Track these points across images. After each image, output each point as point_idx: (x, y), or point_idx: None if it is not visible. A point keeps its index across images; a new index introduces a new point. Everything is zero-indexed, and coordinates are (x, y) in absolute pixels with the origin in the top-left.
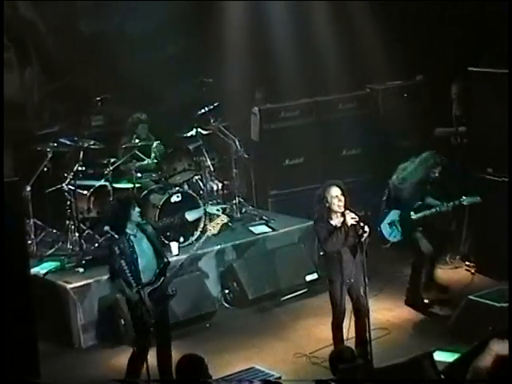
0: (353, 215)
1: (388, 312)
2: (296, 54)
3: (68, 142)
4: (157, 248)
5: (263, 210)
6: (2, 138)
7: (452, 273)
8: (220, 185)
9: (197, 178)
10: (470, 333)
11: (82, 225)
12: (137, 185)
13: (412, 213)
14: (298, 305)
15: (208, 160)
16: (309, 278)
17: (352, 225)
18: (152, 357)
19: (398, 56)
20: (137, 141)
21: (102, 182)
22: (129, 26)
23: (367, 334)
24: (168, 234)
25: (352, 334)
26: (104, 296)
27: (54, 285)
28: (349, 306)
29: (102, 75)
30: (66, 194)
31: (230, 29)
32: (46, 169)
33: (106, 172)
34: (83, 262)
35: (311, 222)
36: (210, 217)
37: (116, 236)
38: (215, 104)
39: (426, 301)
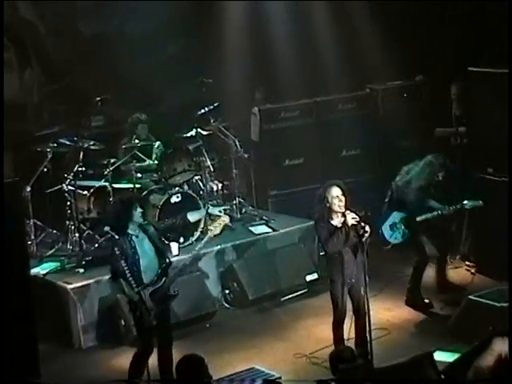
0: (353, 215)
1: (388, 312)
2: (296, 54)
3: (68, 143)
4: (158, 248)
5: (263, 210)
6: (2, 139)
7: (452, 273)
8: (220, 185)
9: (197, 178)
10: (470, 333)
11: (82, 225)
12: (137, 185)
13: (416, 215)
14: (298, 305)
15: (208, 160)
16: (309, 278)
17: (353, 225)
18: (152, 357)
19: (398, 56)
20: (136, 141)
21: (102, 183)
22: (129, 27)
23: (367, 334)
24: (168, 234)
25: (352, 334)
26: (104, 296)
27: (54, 285)
28: (349, 306)
29: (101, 76)
30: (66, 194)
31: (230, 29)
32: (46, 169)
33: (105, 172)
34: (83, 262)
35: (311, 222)
36: (212, 217)
37: (116, 236)
38: (215, 104)
39: (426, 301)
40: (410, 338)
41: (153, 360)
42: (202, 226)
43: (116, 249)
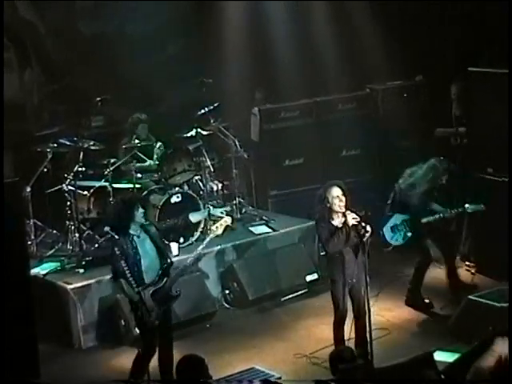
0: (354, 215)
1: (388, 312)
2: (296, 54)
3: (68, 143)
4: (160, 249)
5: (263, 210)
6: (2, 139)
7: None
8: (220, 185)
9: (197, 178)
10: (470, 333)
11: (82, 225)
12: (137, 185)
13: (418, 218)
14: (298, 305)
15: (208, 160)
16: (309, 278)
17: (353, 225)
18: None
19: (398, 56)
20: (137, 141)
21: (102, 183)
22: (129, 27)
23: (367, 335)
24: (169, 234)
25: (352, 334)
26: (104, 297)
27: (54, 285)
28: (349, 306)
29: (101, 76)
30: (66, 194)
31: (230, 29)
32: (46, 169)
33: (105, 172)
34: (83, 262)
35: (311, 223)
36: (212, 218)
37: (116, 237)
38: (215, 104)
39: (426, 301)
40: (410, 338)
41: (153, 360)
42: (202, 226)
43: (116, 249)
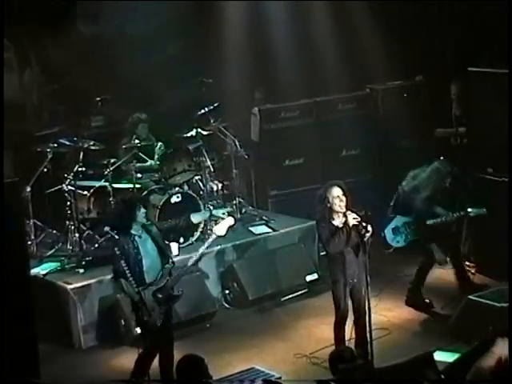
0: (354, 215)
1: (388, 312)
2: (296, 53)
3: (68, 143)
4: (161, 249)
5: (263, 210)
6: (2, 139)
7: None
8: (220, 185)
9: (197, 178)
10: (470, 333)
11: (82, 225)
12: (137, 185)
13: (421, 220)
14: (298, 305)
15: (208, 160)
16: (309, 278)
17: (354, 225)
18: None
19: (398, 56)
20: (137, 141)
21: (102, 183)
22: (129, 27)
23: (368, 334)
24: (170, 234)
25: (353, 334)
26: (104, 296)
27: (54, 285)
28: (350, 305)
29: (101, 76)
30: (66, 194)
31: (230, 29)
32: (45, 169)
33: (105, 172)
34: (83, 262)
35: (311, 223)
36: (212, 219)
37: (116, 236)
38: (215, 104)
39: (426, 301)
40: (410, 338)
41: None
42: (201, 226)
43: (116, 249)
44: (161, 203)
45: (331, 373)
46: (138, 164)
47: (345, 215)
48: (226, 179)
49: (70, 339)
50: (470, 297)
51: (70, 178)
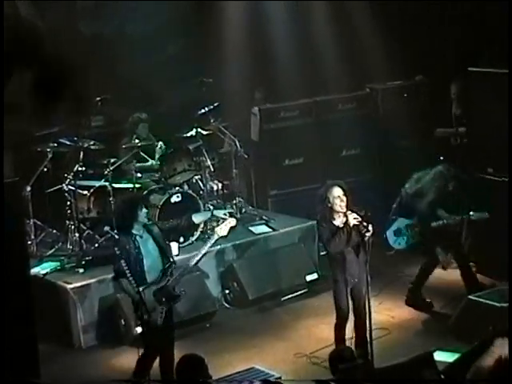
0: (355, 215)
1: (388, 312)
2: (296, 53)
3: (68, 143)
4: (162, 249)
5: (263, 209)
6: (2, 139)
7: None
8: (220, 185)
9: (197, 178)
10: (470, 333)
11: (82, 225)
12: (137, 185)
13: (423, 223)
14: (298, 305)
15: (208, 160)
16: (309, 277)
17: (355, 225)
18: None
19: (398, 56)
20: (137, 141)
21: (102, 183)
22: (129, 27)
23: (368, 334)
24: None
25: (353, 334)
26: (104, 296)
27: (54, 285)
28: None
29: (101, 76)
30: (66, 194)
31: (230, 29)
32: (46, 169)
33: (106, 172)
34: (83, 262)
35: (311, 222)
36: (215, 219)
37: (116, 236)
38: (215, 104)
39: (426, 300)
40: (410, 338)
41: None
42: (202, 226)
43: (116, 248)
44: (161, 203)
45: (331, 372)
46: (139, 164)
47: (345, 215)
48: (226, 179)
49: (69, 339)
50: (469, 297)
51: (70, 177)
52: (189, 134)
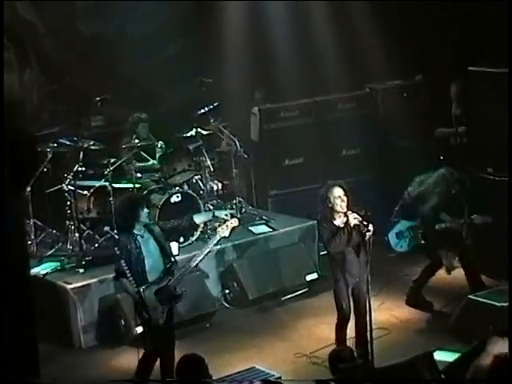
0: (355, 215)
1: (388, 312)
2: (295, 53)
3: (68, 143)
4: (164, 248)
5: (263, 209)
6: (2, 139)
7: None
8: (220, 185)
9: (197, 178)
10: (470, 332)
11: (82, 225)
12: (136, 185)
13: (426, 226)
14: (298, 304)
15: (208, 160)
16: (309, 277)
17: (355, 225)
18: None
19: (398, 56)
20: (136, 141)
21: (102, 183)
22: (129, 27)
23: (368, 334)
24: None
25: (353, 333)
26: (104, 296)
27: (54, 285)
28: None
29: (101, 76)
30: (65, 194)
31: (230, 29)
32: (45, 169)
33: (105, 172)
34: (83, 262)
35: (311, 222)
36: (218, 220)
37: (116, 236)
38: (215, 104)
39: (427, 300)
40: (410, 338)
41: None
42: (202, 226)
43: (116, 248)
44: (161, 203)
45: (331, 372)
46: (140, 163)
47: (346, 215)
48: (226, 179)
49: (70, 339)
50: (469, 296)
51: (70, 177)
52: (189, 134)
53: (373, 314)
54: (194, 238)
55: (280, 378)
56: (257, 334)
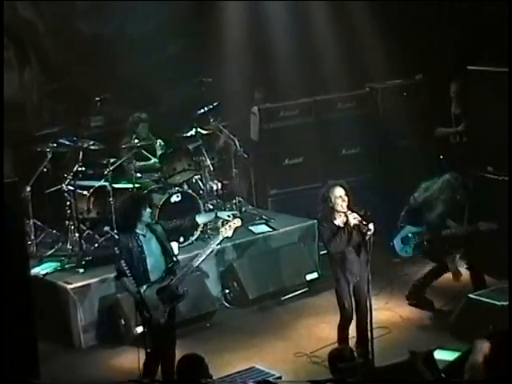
0: (355, 215)
1: (389, 311)
2: (295, 53)
3: (67, 143)
4: (166, 248)
5: (263, 209)
6: (1, 139)
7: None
8: (220, 184)
9: (196, 177)
10: (471, 331)
11: (81, 225)
12: (136, 185)
13: (431, 232)
14: (298, 304)
15: (208, 160)
16: (309, 277)
17: (355, 224)
18: None
19: (398, 55)
20: (136, 141)
21: (102, 183)
22: (129, 27)
23: (368, 333)
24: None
25: (353, 332)
26: (104, 296)
27: (54, 285)
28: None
29: (101, 75)
30: (65, 194)
31: (230, 29)
32: (45, 169)
33: (105, 172)
34: (83, 262)
35: (311, 222)
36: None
37: (116, 236)
38: (215, 103)
39: (427, 298)
40: (410, 337)
41: None
42: (202, 225)
43: (116, 248)
44: (161, 202)
45: (330, 372)
46: (141, 163)
47: (346, 215)
48: (226, 178)
49: (70, 339)
50: (470, 295)
51: (70, 177)
52: (188, 134)
53: (373, 313)
54: (193, 238)
55: (280, 377)
56: (257, 333)
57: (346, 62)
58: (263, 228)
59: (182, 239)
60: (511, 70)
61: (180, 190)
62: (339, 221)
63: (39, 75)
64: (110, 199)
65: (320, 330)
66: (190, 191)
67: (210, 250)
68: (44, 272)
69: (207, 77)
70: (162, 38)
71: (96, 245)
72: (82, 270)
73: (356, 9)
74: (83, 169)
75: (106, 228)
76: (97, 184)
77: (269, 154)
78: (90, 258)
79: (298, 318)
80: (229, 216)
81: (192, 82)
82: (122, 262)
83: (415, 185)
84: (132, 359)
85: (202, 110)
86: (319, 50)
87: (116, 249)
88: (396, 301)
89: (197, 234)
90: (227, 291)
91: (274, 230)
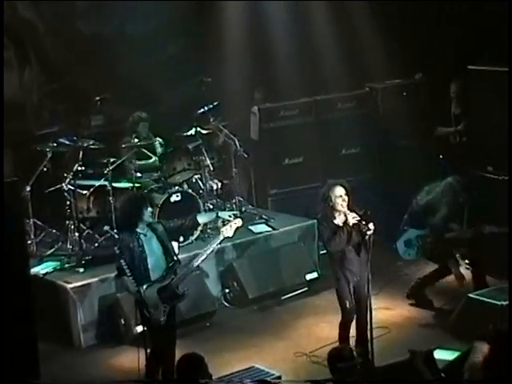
0: (354, 214)
1: (388, 311)
2: (295, 53)
3: (67, 142)
4: (167, 247)
5: (263, 209)
6: (1, 138)
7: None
8: (219, 184)
9: (196, 177)
10: (471, 331)
11: (81, 225)
12: (136, 184)
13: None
14: (298, 304)
15: (207, 159)
16: (309, 276)
17: (354, 224)
18: None
19: (398, 55)
20: (136, 140)
21: (102, 182)
22: (129, 27)
23: (368, 333)
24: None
25: (353, 332)
26: (104, 296)
27: (54, 285)
28: None
29: (101, 75)
30: (65, 193)
31: (230, 29)
32: (45, 169)
33: (105, 172)
34: (83, 261)
35: (311, 221)
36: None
37: (116, 236)
38: (215, 103)
39: (427, 298)
40: (410, 337)
41: None
42: (201, 225)
43: (116, 247)
44: (160, 202)
45: (330, 372)
46: (142, 162)
47: (345, 214)
48: (226, 178)
49: (69, 338)
50: (469, 295)
51: (70, 177)
52: (188, 133)
53: (373, 312)
54: (193, 238)
55: (280, 377)
56: (256, 333)
57: (345, 62)
58: (263, 228)
59: (181, 239)
60: (511, 70)
61: (180, 189)
62: (339, 220)
63: (39, 75)
64: (110, 199)
65: (320, 330)
66: (189, 191)
67: (211, 249)
68: (44, 271)
69: (207, 77)
70: (162, 37)
71: (96, 244)
72: (81, 270)
73: (356, 9)
74: (83, 168)
75: (106, 227)
76: (97, 183)
77: (269, 154)
78: (90, 257)
79: (298, 318)
80: (230, 216)
81: (192, 82)
82: (122, 261)
83: (415, 185)
84: (132, 359)
85: (202, 110)
86: (319, 50)
87: (116, 248)
88: (396, 301)
89: (197, 233)
90: (227, 291)
91: (274, 229)
